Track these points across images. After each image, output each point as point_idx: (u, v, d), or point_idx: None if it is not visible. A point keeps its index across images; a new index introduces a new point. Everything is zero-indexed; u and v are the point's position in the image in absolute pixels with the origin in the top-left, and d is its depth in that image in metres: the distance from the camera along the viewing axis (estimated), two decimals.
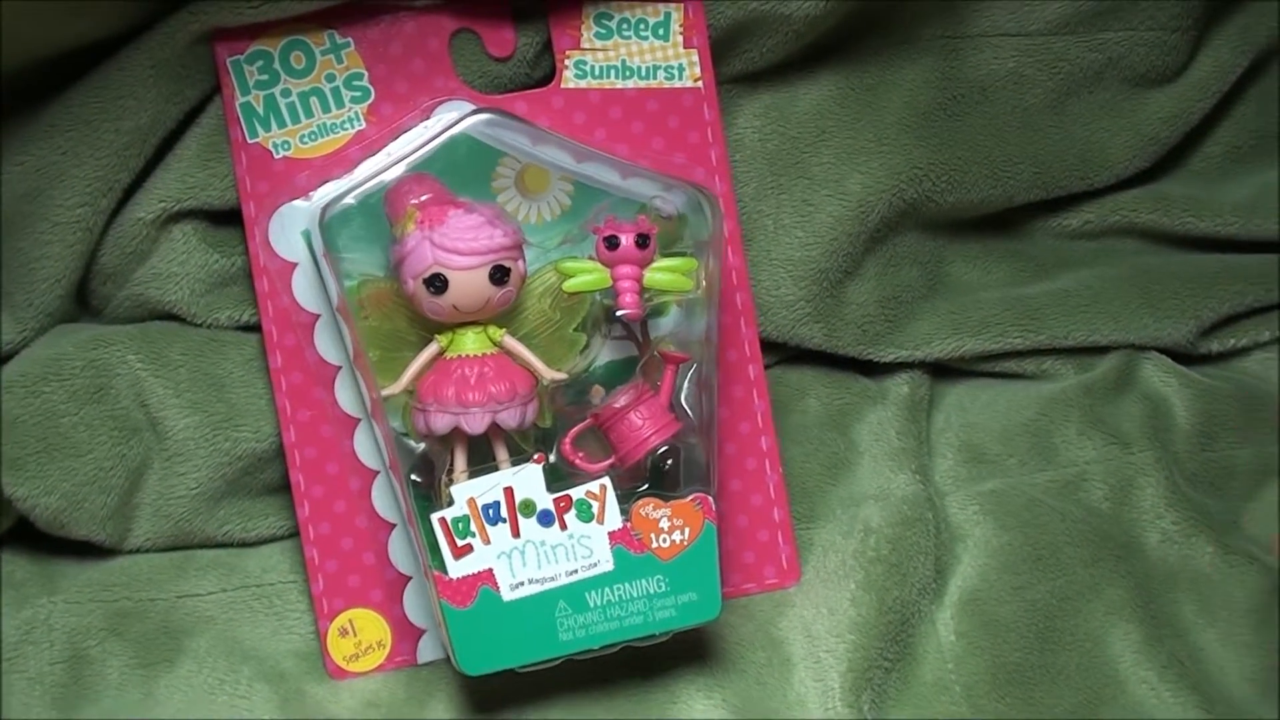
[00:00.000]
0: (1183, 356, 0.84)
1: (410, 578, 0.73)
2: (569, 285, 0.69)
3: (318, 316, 0.72)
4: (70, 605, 0.73)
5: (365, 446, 0.73)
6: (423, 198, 0.69)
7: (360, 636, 0.73)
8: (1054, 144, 0.82)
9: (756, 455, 0.76)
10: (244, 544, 0.76)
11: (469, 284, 0.67)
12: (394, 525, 0.73)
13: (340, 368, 0.72)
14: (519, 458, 0.69)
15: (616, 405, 0.70)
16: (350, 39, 0.72)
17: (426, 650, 0.73)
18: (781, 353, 0.82)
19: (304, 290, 0.72)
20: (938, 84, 0.80)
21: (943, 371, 0.84)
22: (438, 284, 0.66)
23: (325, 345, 0.72)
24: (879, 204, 0.78)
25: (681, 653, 0.72)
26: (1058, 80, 0.81)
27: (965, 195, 0.81)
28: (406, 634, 0.73)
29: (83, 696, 0.71)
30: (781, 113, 0.78)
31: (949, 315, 0.82)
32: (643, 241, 0.68)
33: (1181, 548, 0.77)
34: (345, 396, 0.73)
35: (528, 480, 0.68)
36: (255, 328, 0.74)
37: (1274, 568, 0.75)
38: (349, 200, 0.70)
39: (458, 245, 0.66)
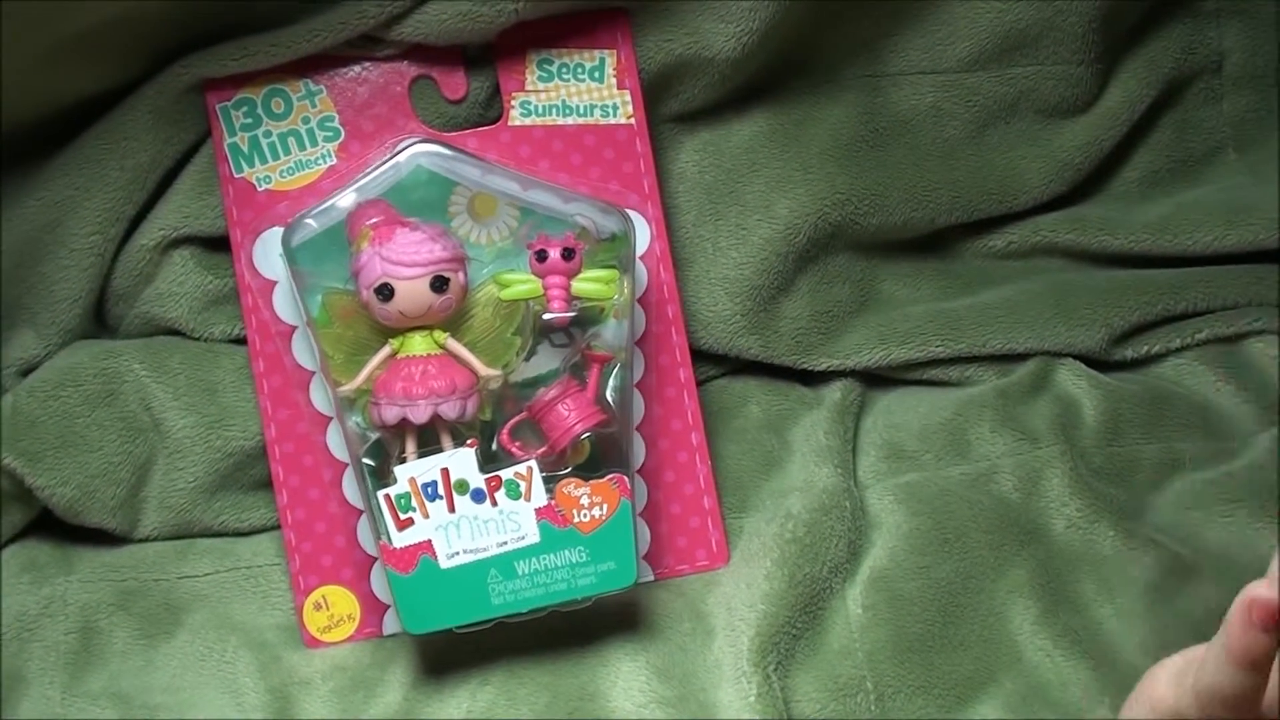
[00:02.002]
0: (1099, 364, 0.86)
1: (376, 558, 0.77)
2: (504, 294, 0.75)
3: (294, 328, 0.77)
4: (84, 584, 0.78)
5: (336, 442, 0.77)
6: (375, 220, 0.74)
7: (333, 610, 0.77)
8: (973, 171, 0.84)
9: (687, 449, 0.80)
10: (238, 533, 0.81)
11: (412, 292, 0.72)
12: (362, 511, 0.77)
13: (314, 372, 0.77)
14: (458, 442, 0.73)
15: (547, 397, 0.75)
16: (323, 86, 0.77)
17: (391, 624, 0.78)
18: (726, 365, 0.85)
19: (283, 304, 0.77)
20: (860, 119, 0.83)
21: (875, 381, 0.86)
22: (385, 292, 0.72)
23: (301, 353, 0.77)
24: (805, 226, 0.82)
25: (616, 625, 0.76)
26: (974, 112, 0.84)
27: (888, 219, 0.83)
28: (374, 609, 0.78)
29: (90, 663, 0.76)
30: (718, 147, 0.82)
31: (877, 328, 0.84)
32: (568, 254, 0.74)
33: (1085, 533, 0.78)
34: (318, 398, 0.77)
35: (462, 462, 0.73)
36: (245, 340, 0.78)
37: (1173, 551, 0.76)
38: (310, 223, 0.75)
39: (402, 258, 0.72)
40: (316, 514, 0.77)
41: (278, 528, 0.80)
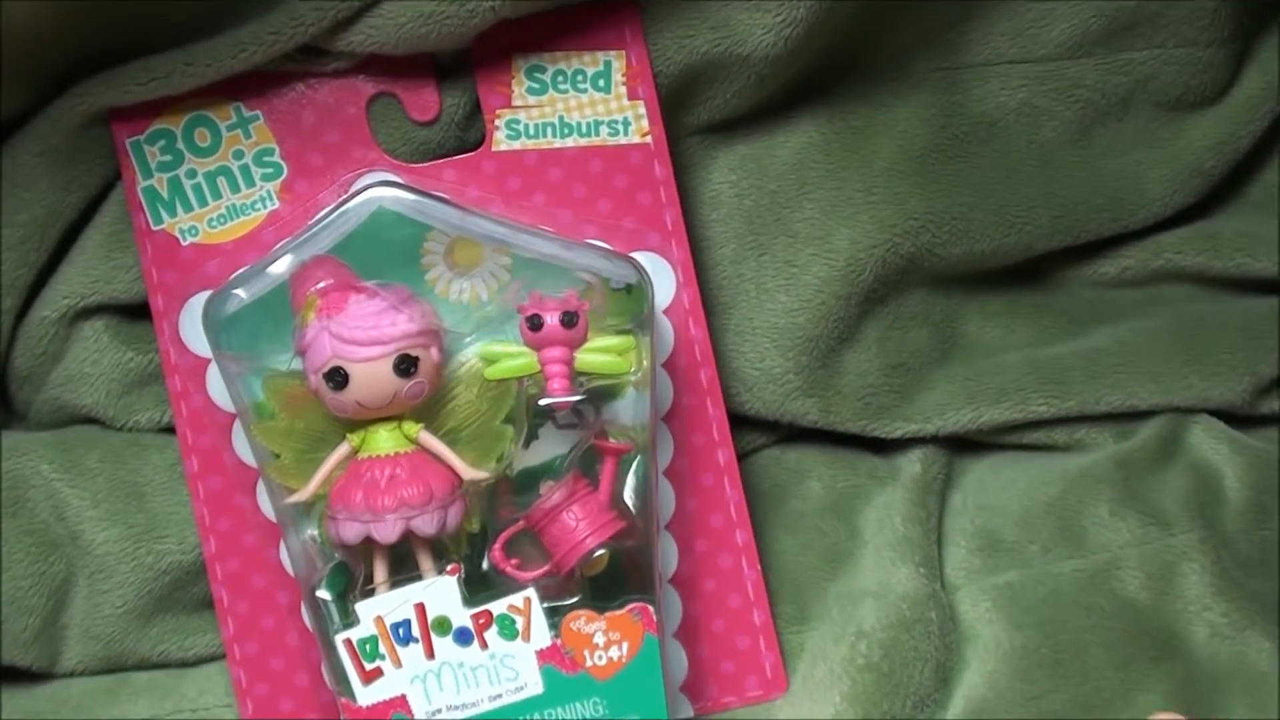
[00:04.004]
0: (1237, 419, 0.80)
1: None
2: (491, 372, 0.67)
3: (235, 415, 0.70)
4: None
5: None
6: (322, 284, 0.66)
7: None
8: (1077, 182, 0.79)
9: (731, 550, 0.72)
10: (183, 663, 0.74)
11: (371, 377, 0.64)
12: None
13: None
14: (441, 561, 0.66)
15: (550, 503, 0.67)
16: (258, 111, 0.70)
17: None
18: (777, 432, 0.80)
19: (220, 387, 0.69)
20: (936, 122, 0.77)
21: (963, 448, 0.81)
22: (338, 378, 0.64)
23: (244, 447, 0.70)
24: (871, 260, 0.76)
25: None
26: (1076, 110, 0.78)
27: (974, 246, 0.78)
28: None
29: None
30: (759, 164, 0.76)
31: (963, 382, 0.79)
32: (569, 320, 0.66)
33: (1233, 643, 0.72)
34: (268, 502, 0.70)
35: (441, 595, 0.65)
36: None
37: None
38: (238, 292, 0.67)
39: (356, 335, 0.64)
40: (271, 648, 0.70)
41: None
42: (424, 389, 0.65)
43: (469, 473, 0.66)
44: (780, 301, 0.76)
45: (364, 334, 0.63)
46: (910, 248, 0.76)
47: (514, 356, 0.66)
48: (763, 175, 0.76)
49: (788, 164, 0.76)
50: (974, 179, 0.78)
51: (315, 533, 0.67)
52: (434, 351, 0.65)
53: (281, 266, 0.67)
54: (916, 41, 0.77)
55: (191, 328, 0.70)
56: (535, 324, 0.66)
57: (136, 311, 0.73)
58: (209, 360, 0.69)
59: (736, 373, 0.76)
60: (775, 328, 0.76)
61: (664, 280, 0.72)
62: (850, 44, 0.75)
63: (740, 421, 0.77)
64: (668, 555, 0.71)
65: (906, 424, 0.79)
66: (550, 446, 0.69)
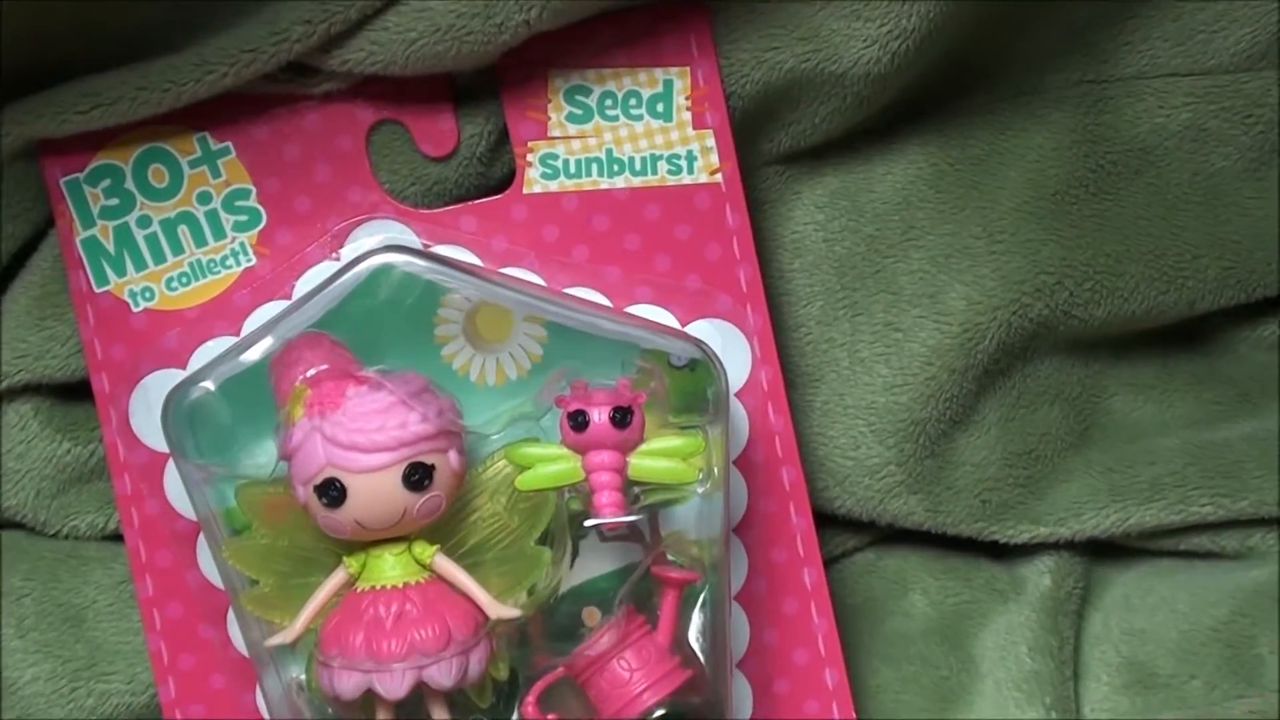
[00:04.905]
0: None
1: None
2: (523, 481, 0.66)
3: (200, 526, 0.69)
4: None
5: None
6: (312, 370, 0.65)
7: None
8: (1252, 224, 0.78)
9: (820, 694, 0.72)
10: None
11: (375, 491, 0.63)
12: None
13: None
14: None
15: (599, 648, 0.66)
16: (229, 143, 0.70)
17: None
18: (872, 533, 0.80)
19: (181, 489, 0.68)
20: (1076, 150, 0.76)
21: (1104, 555, 0.80)
22: (332, 493, 0.62)
23: (213, 565, 0.69)
24: (993, 325, 0.75)
25: None
26: (1254, 134, 0.77)
27: (1122, 305, 0.77)
28: None
29: None
30: (853, 202, 0.76)
31: (1106, 474, 0.78)
32: (621, 419, 0.64)
33: None
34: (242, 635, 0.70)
35: None
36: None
37: None
38: (205, 384, 0.67)
39: (355, 439, 0.62)
40: None
41: None
42: (440, 504, 0.64)
43: (497, 609, 0.65)
44: (879, 375, 0.76)
45: (366, 438, 0.62)
46: (1042, 309, 0.76)
47: (552, 461, 0.65)
48: (858, 216, 0.76)
49: (889, 202, 0.76)
50: (1123, 221, 0.77)
51: (302, 676, 0.67)
52: (453, 456, 0.64)
53: (255, 353, 0.67)
54: (1054, 49, 0.77)
55: (145, 415, 0.69)
56: (579, 422, 0.64)
57: (75, 392, 0.73)
58: (168, 455, 0.69)
59: (823, 463, 0.76)
60: (872, 407, 0.76)
61: (737, 355, 0.71)
62: (970, 54, 0.75)
63: (828, 522, 0.77)
64: (740, 699, 0.71)
65: (1034, 526, 0.78)
66: (595, 561, 0.69)
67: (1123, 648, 0.76)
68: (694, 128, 0.70)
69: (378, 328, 0.67)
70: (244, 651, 0.69)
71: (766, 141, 0.74)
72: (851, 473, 0.76)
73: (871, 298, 0.76)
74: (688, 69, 0.70)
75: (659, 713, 0.66)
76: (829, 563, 0.76)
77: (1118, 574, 0.80)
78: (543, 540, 0.67)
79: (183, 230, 0.69)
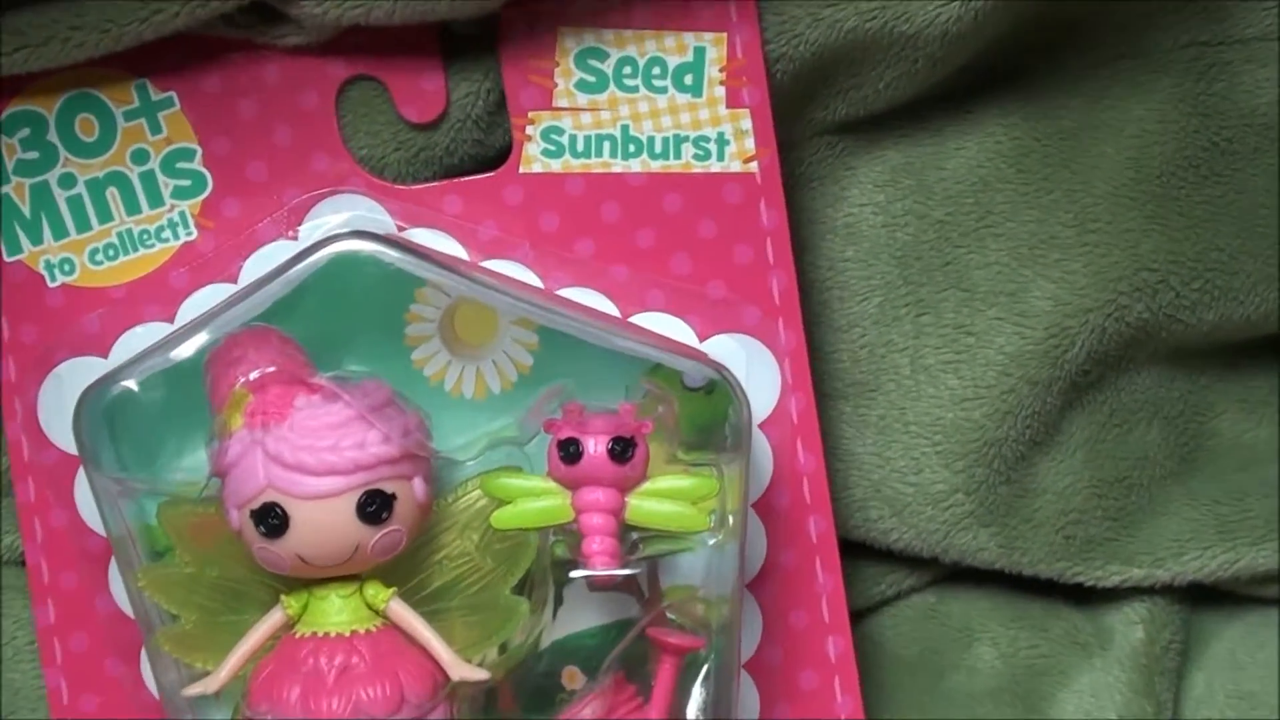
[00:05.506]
0: None
1: None
2: (500, 519, 0.64)
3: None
4: None
5: None
6: (256, 372, 0.64)
7: None
8: None
9: None
10: None
11: (323, 521, 0.61)
12: None
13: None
14: None
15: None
16: (173, 93, 0.68)
17: None
18: (935, 570, 0.79)
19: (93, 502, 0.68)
20: (1185, 124, 0.75)
21: (1205, 602, 0.80)
22: (272, 520, 0.61)
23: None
24: (1083, 330, 0.74)
25: None
26: None
27: (1236, 308, 0.76)
28: None
29: None
30: (919, 181, 0.75)
31: (1213, 506, 0.78)
32: (621, 451, 0.62)
33: None
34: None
35: None
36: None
37: None
38: (127, 382, 0.65)
39: (303, 458, 0.61)
40: None
41: None
42: (400, 541, 0.62)
43: (460, 669, 0.63)
44: (948, 386, 0.75)
45: (315, 457, 0.61)
46: (1142, 311, 0.75)
47: (537, 496, 0.64)
48: (925, 198, 0.75)
49: (963, 182, 0.75)
50: (1239, 209, 0.76)
51: None
52: (418, 484, 0.63)
53: (188, 349, 0.65)
54: (1159, 6, 0.75)
55: (56, 409, 0.68)
56: (571, 452, 0.62)
57: None
58: (79, 460, 0.68)
59: (878, 488, 0.75)
60: (939, 424, 0.75)
61: (764, 379, 0.69)
62: (1061, 10, 0.74)
63: (879, 555, 0.76)
64: None
65: (1126, 567, 0.77)
66: (582, 612, 0.68)
67: (1229, 713, 0.77)
68: (727, 106, 0.69)
69: (338, 324, 0.66)
70: (157, 694, 0.68)
71: (820, 109, 0.73)
72: (912, 501, 0.75)
73: (940, 295, 0.75)
74: (724, 36, 0.69)
75: None
76: (880, 606, 0.77)
77: (1221, 626, 0.80)
78: (520, 589, 0.66)
79: (112, 193, 0.68)
